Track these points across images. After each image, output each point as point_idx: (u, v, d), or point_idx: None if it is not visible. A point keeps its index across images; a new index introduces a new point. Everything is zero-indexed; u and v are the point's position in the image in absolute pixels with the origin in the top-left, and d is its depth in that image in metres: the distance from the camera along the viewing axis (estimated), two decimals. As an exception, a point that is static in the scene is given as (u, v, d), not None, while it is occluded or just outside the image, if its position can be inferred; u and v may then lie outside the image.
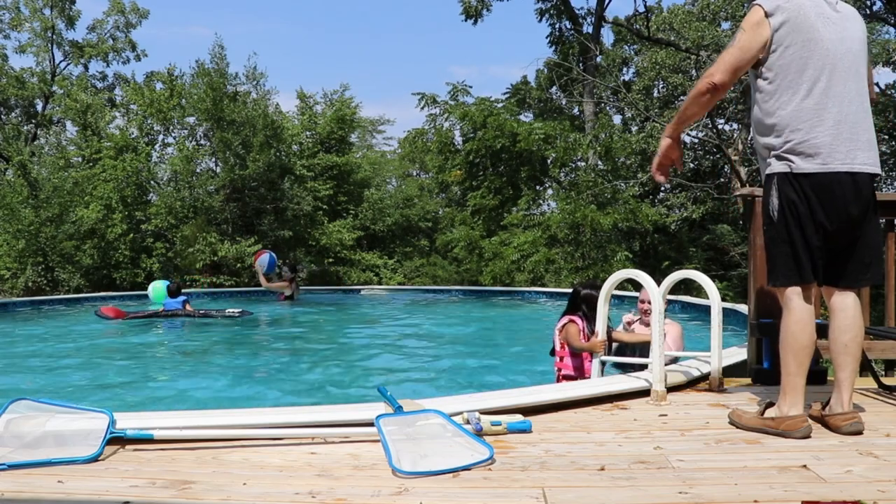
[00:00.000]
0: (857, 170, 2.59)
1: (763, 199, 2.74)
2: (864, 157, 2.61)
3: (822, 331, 3.66)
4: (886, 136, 17.78)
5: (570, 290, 4.73)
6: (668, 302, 5.02)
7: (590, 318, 4.26)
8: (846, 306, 2.71)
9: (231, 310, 9.95)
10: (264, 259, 12.43)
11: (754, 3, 2.70)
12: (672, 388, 3.36)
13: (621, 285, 5.51)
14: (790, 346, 2.64)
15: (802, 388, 2.61)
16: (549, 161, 18.07)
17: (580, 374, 4.21)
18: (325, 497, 1.99)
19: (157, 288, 11.84)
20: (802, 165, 2.59)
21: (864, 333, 2.80)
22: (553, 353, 4.44)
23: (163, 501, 1.98)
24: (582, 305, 4.37)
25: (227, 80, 16.33)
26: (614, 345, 4.72)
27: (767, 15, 2.62)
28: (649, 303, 4.73)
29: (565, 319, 4.33)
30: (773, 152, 2.68)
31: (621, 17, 20.07)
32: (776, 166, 2.66)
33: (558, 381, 4.33)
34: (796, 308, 2.65)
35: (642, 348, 4.53)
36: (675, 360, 4.15)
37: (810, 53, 2.59)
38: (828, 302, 2.79)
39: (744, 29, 2.66)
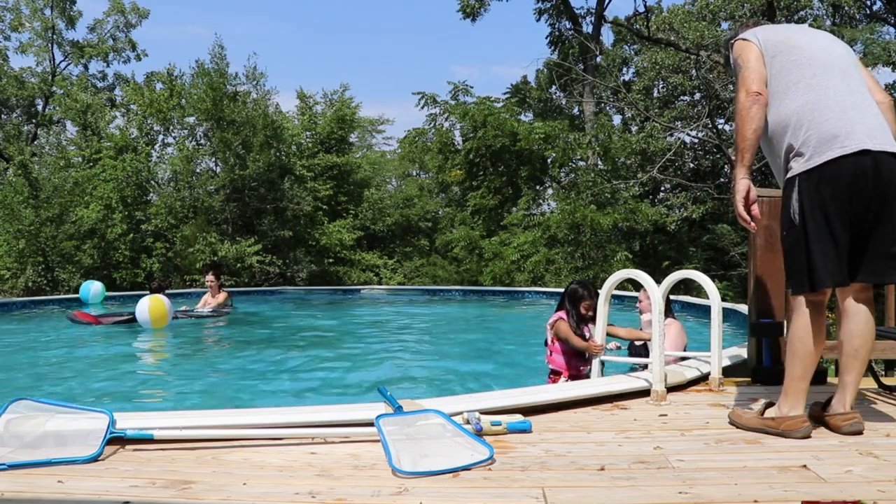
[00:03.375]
0: (877, 148, 2.53)
1: (783, 202, 2.67)
2: (882, 137, 2.56)
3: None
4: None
5: None
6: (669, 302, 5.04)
7: (570, 313, 4.30)
8: (859, 310, 2.67)
9: (201, 309, 9.57)
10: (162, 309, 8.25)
11: (735, 40, 2.86)
12: (672, 388, 3.36)
13: (621, 285, 5.51)
14: (797, 350, 2.61)
15: (805, 392, 2.60)
16: (548, 161, 18.07)
17: (566, 370, 4.26)
18: (325, 497, 1.99)
19: (87, 288, 11.37)
20: (821, 155, 2.55)
21: (874, 339, 2.74)
22: (546, 344, 4.46)
23: (163, 501, 1.98)
24: (565, 300, 4.39)
25: (227, 80, 16.32)
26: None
27: (747, 41, 2.79)
28: (640, 301, 4.77)
29: (555, 317, 4.35)
30: (790, 154, 2.64)
31: (621, 17, 20.11)
32: (795, 167, 2.61)
33: (549, 376, 4.38)
34: (805, 313, 2.61)
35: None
36: (684, 359, 4.14)
37: (797, 57, 2.69)
38: (840, 302, 2.74)
39: (737, 55, 2.80)
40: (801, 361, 2.61)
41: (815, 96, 2.60)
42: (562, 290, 4.85)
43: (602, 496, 1.99)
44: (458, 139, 19.62)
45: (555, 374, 4.33)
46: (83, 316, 9.10)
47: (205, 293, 10.19)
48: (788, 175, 2.64)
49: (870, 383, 3.42)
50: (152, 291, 9.46)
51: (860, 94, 2.65)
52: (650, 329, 4.75)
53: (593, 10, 19.67)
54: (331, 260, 17.83)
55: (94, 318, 9.09)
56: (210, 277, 9.85)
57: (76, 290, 14.16)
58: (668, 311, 4.91)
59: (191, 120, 17.08)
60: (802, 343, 2.60)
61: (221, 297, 9.78)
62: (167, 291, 9.93)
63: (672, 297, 5.18)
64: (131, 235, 15.40)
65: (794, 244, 2.62)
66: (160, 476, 2.17)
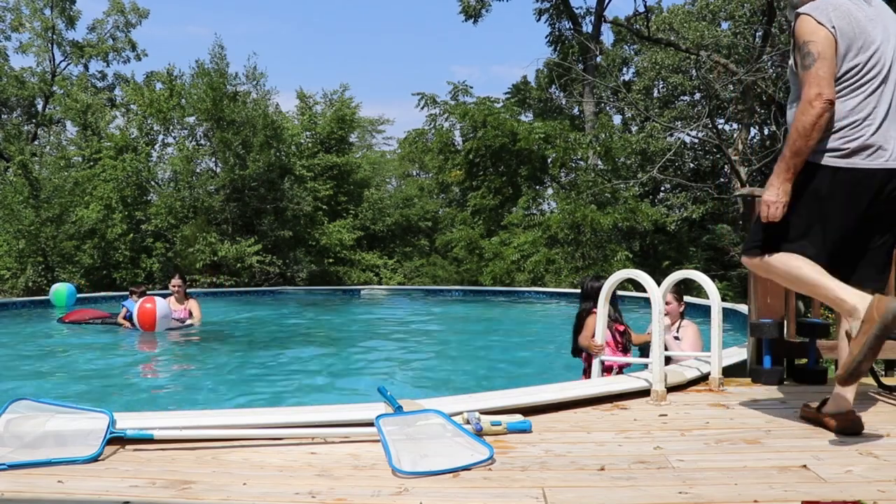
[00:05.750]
0: (893, 165, 2.58)
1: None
2: None
3: (822, 331, 3.66)
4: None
5: (569, 291, 4.68)
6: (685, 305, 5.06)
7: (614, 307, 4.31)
8: None
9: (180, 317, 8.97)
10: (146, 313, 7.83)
11: (800, 13, 2.61)
12: (672, 388, 3.36)
13: (621, 285, 5.51)
14: (793, 270, 2.58)
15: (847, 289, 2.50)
16: (549, 161, 18.08)
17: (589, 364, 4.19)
18: (325, 497, 1.99)
19: (59, 291, 11.10)
20: (849, 160, 2.57)
21: None
22: (575, 352, 4.38)
23: (163, 501, 1.98)
24: (594, 297, 4.27)
25: (227, 80, 16.33)
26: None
27: (819, 23, 2.56)
28: (668, 303, 4.71)
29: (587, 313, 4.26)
30: (823, 144, 2.61)
31: (621, 17, 20.09)
32: (820, 157, 2.60)
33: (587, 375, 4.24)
34: (777, 254, 2.63)
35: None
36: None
37: (866, 58, 2.57)
38: None
39: (807, 40, 2.55)
40: (810, 267, 2.54)
41: (869, 104, 2.58)
42: (561, 290, 4.79)
43: (602, 496, 1.99)
44: (458, 139, 19.64)
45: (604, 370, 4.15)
46: (72, 316, 9.11)
47: (195, 295, 9.78)
48: (810, 159, 2.62)
49: (870, 383, 3.42)
50: (131, 295, 8.83)
51: None
52: (669, 333, 4.76)
53: (593, 10, 19.69)
54: (331, 260, 17.84)
55: (84, 313, 9.09)
56: (176, 281, 8.70)
57: (76, 290, 14.16)
58: (683, 313, 4.94)
59: (191, 120, 17.10)
60: (787, 266, 2.60)
61: (195, 306, 8.77)
62: (148, 293, 8.94)
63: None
64: (131, 235, 15.40)
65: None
66: (160, 476, 2.17)
